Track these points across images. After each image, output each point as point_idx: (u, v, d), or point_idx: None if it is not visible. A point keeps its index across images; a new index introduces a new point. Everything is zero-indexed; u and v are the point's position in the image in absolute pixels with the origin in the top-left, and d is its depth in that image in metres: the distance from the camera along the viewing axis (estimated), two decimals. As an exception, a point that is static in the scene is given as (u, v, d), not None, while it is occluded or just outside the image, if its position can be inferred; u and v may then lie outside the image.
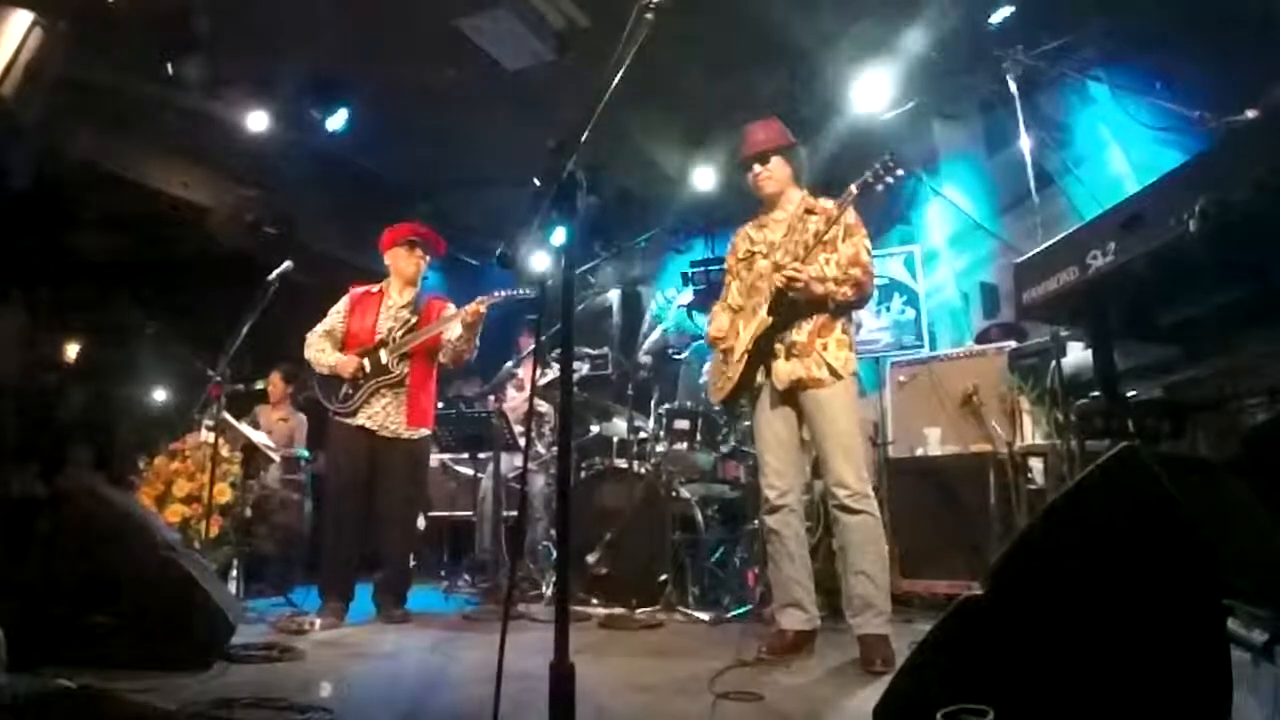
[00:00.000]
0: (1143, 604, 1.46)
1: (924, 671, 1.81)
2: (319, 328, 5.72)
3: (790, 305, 4.04)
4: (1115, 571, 1.52)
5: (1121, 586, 1.50)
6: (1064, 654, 1.51)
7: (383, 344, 5.58)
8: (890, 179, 3.88)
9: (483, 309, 5.51)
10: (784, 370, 4.09)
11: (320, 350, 5.61)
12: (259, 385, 7.75)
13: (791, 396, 4.14)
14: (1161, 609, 1.44)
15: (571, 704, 1.92)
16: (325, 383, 5.60)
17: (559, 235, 9.67)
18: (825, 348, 4.06)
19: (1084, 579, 1.55)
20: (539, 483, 7.56)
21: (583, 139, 2.29)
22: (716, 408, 4.61)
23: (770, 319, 4.04)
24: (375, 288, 5.84)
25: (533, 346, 7.59)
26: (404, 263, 5.79)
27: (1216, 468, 1.73)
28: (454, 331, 5.62)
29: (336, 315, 5.77)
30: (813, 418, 4.08)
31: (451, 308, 5.79)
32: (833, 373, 4.04)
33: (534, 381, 6.60)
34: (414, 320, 5.68)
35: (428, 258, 5.90)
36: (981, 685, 1.61)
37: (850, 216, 4.10)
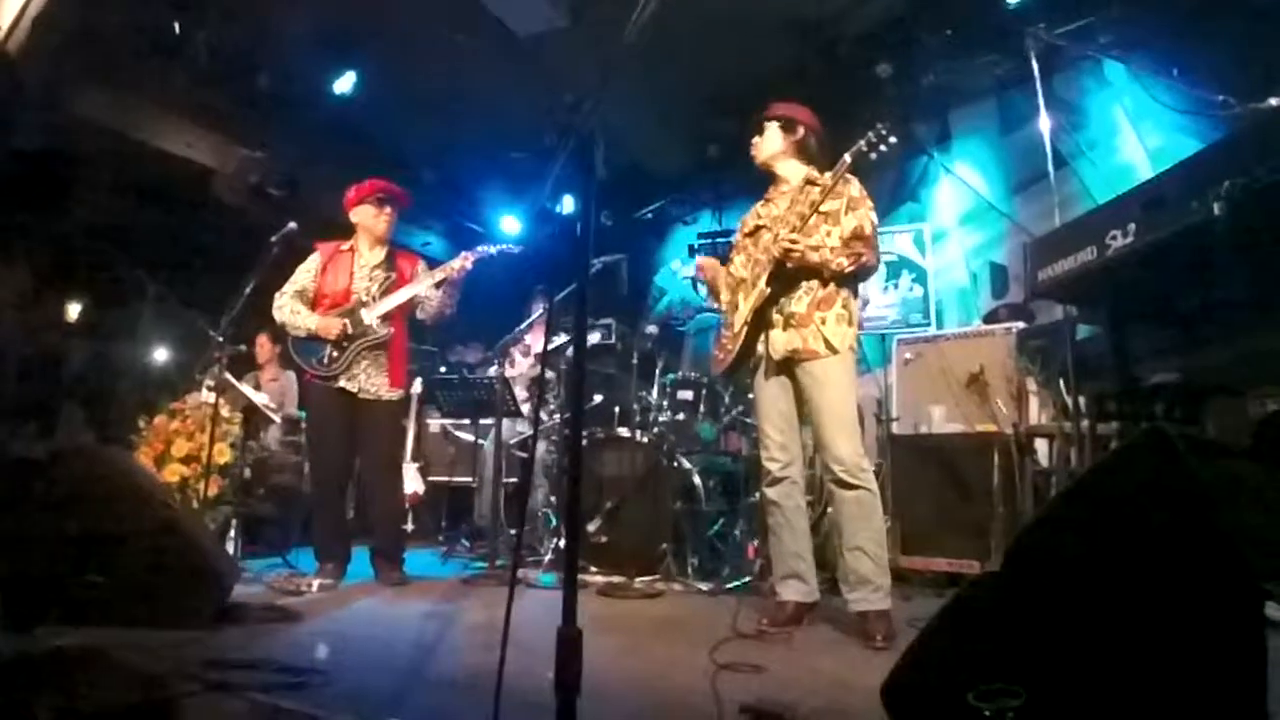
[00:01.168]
0: (1171, 586, 1.45)
1: (936, 649, 1.80)
2: (288, 287, 5.55)
3: (789, 276, 4.04)
4: (1141, 552, 1.51)
5: (1147, 568, 1.49)
6: (1089, 634, 1.50)
7: (362, 304, 5.46)
8: (884, 147, 3.87)
9: (469, 264, 5.47)
10: (780, 340, 4.08)
11: (295, 312, 5.46)
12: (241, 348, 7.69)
13: (788, 368, 4.13)
14: (1192, 592, 1.43)
15: (578, 669, 1.91)
16: (303, 345, 5.45)
17: (567, 204, 9.77)
18: (824, 321, 4.04)
19: (1107, 559, 1.53)
20: (540, 449, 7.56)
21: (599, 97, 2.25)
22: (718, 379, 4.58)
23: (768, 289, 4.03)
24: (345, 245, 5.68)
25: (539, 312, 7.58)
26: (373, 220, 5.63)
27: (1239, 453, 1.71)
28: (430, 287, 5.55)
29: (307, 274, 5.60)
30: (808, 391, 4.06)
31: (423, 265, 5.74)
32: (829, 346, 4.01)
33: (546, 348, 6.56)
34: (391, 278, 5.57)
35: (395, 213, 5.75)
36: (997, 664, 1.60)
37: (855, 189, 4.08)
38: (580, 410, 2.29)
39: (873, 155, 3.91)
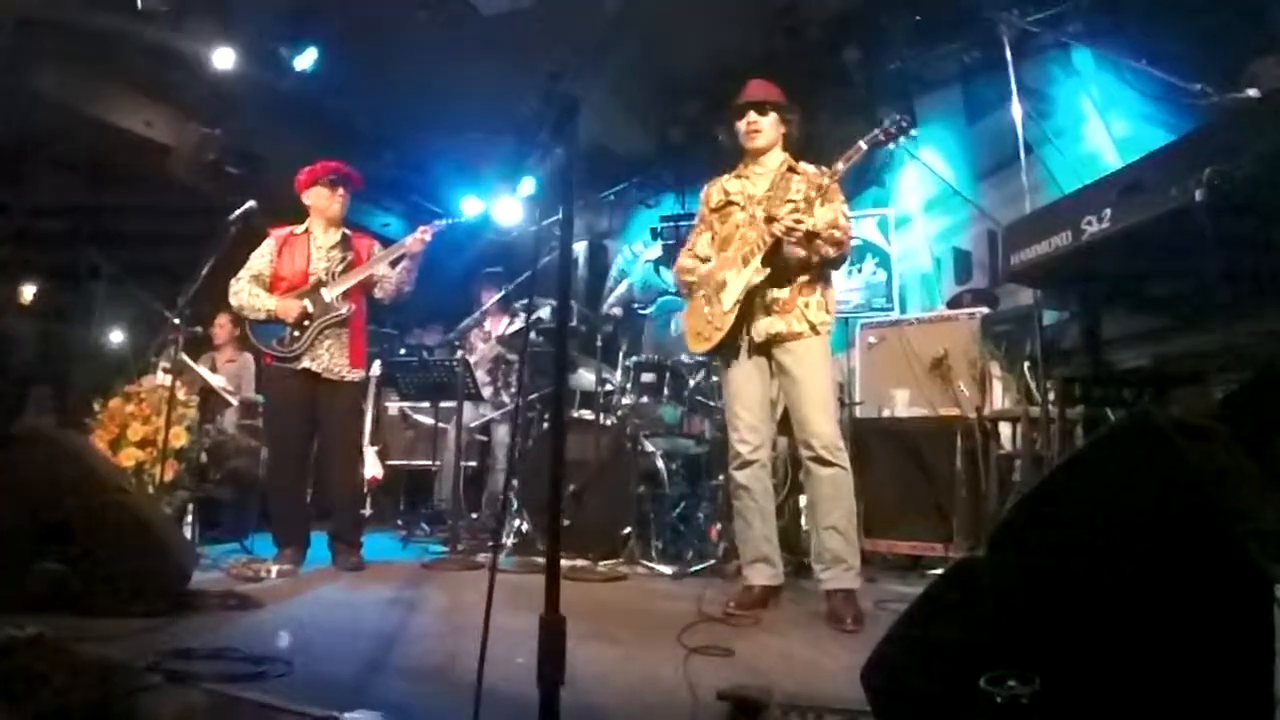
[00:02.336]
0: (1168, 570, 1.44)
1: (920, 632, 1.78)
2: (244, 273, 5.46)
3: (783, 259, 4.01)
4: (1135, 537, 1.50)
5: (1143, 552, 1.48)
6: (1086, 619, 1.49)
7: (320, 284, 5.39)
8: (902, 139, 3.88)
9: (427, 237, 5.45)
10: (762, 324, 4.07)
11: (254, 295, 5.37)
12: (198, 329, 7.54)
13: (765, 351, 4.13)
14: (1192, 575, 1.42)
15: (562, 657, 1.88)
16: (263, 328, 5.38)
17: (526, 186, 9.71)
18: (807, 305, 4.06)
19: (1101, 544, 1.52)
20: (501, 432, 7.51)
21: (581, 66, 2.21)
22: (700, 357, 4.52)
23: (767, 270, 3.98)
24: (299, 228, 5.61)
25: (496, 297, 7.53)
26: (326, 203, 5.56)
27: (1225, 435, 1.70)
28: (388, 264, 5.54)
29: (262, 259, 5.51)
30: (788, 370, 4.05)
31: (379, 246, 5.70)
32: (811, 328, 4.03)
33: (529, 329, 6.49)
34: (348, 258, 5.51)
35: (348, 195, 5.68)
36: (988, 648, 1.59)
37: (826, 180, 4.06)
38: (561, 397, 2.26)
39: (891, 145, 3.94)
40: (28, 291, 9.30)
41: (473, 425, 7.34)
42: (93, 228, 8.58)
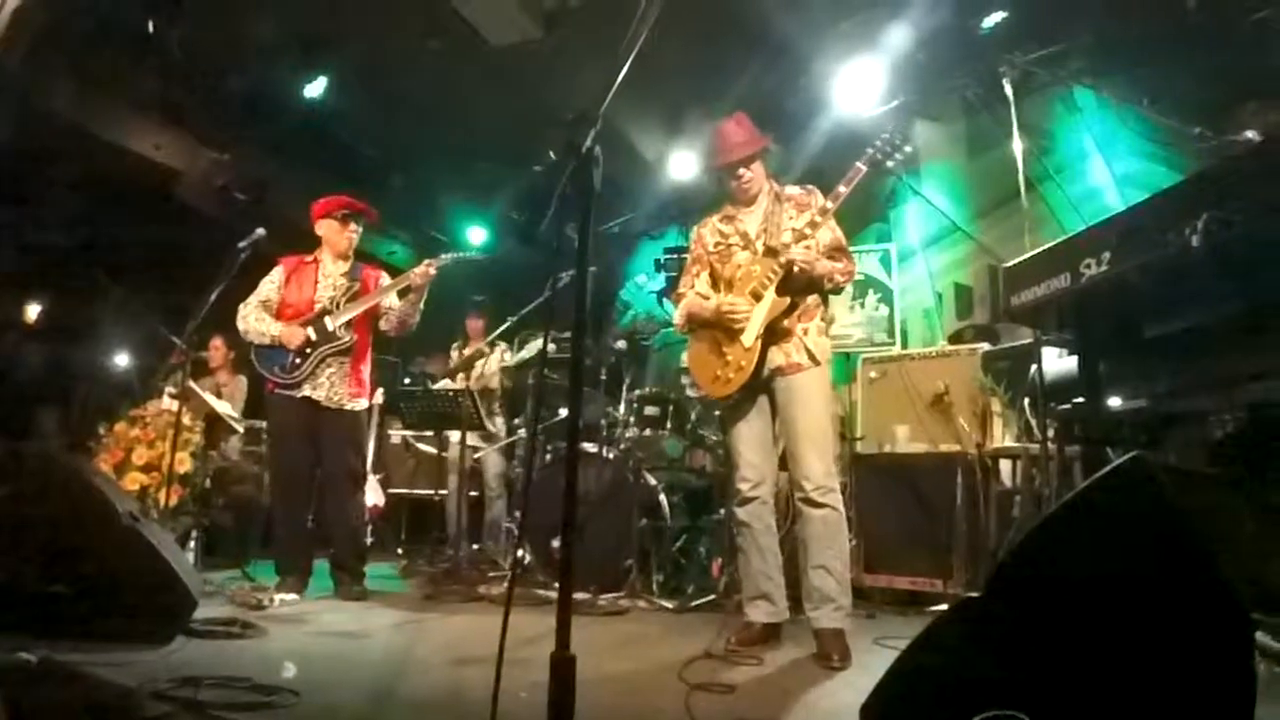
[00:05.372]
0: (1156, 614, 1.47)
1: (918, 672, 1.80)
2: (253, 299, 5.53)
3: (794, 287, 4.01)
4: (1123, 580, 1.53)
5: (1130, 596, 1.51)
6: (1077, 661, 1.51)
7: (325, 312, 5.45)
8: (899, 156, 3.92)
9: (432, 270, 5.49)
10: (765, 356, 4.06)
11: (260, 320, 5.45)
12: (204, 354, 7.58)
13: (766, 385, 4.13)
14: (1176, 620, 1.45)
15: (572, 695, 1.90)
16: (267, 353, 5.43)
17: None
18: (806, 332, 4.08)
19: (1093, 587, 1.55)
20: (493, 460, 7.51)
21: (601, 112, 2.25)
22: (720, 399, 4.46)
23: (786, 299, 3.97)
24: (309, 257, 5.68)
25: (496, 329, 7.55)
26: (337, 236, 5.64)
27: (1216, 480, 1.73)
28: (395, 298, 5.60)
29: (271, 285, 5.59)
30: (786, 406, 4.06)
31: (386, 277, 5.74)
32: (811, 358, 4.05)
33: (546, 355, 6.51)
34: (355, 288, 5.57)
35: (360, 230, 5.76)
36: (983, 689, 1.61)
37: (819, 199, 4.11)
38: (577, 430, 2.28)
39: (889, 164, 3.99)
40: (33, 312, 9.36)
41: (476, 455, 7.34)
42: (101, 250, 8.62)
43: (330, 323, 5.41)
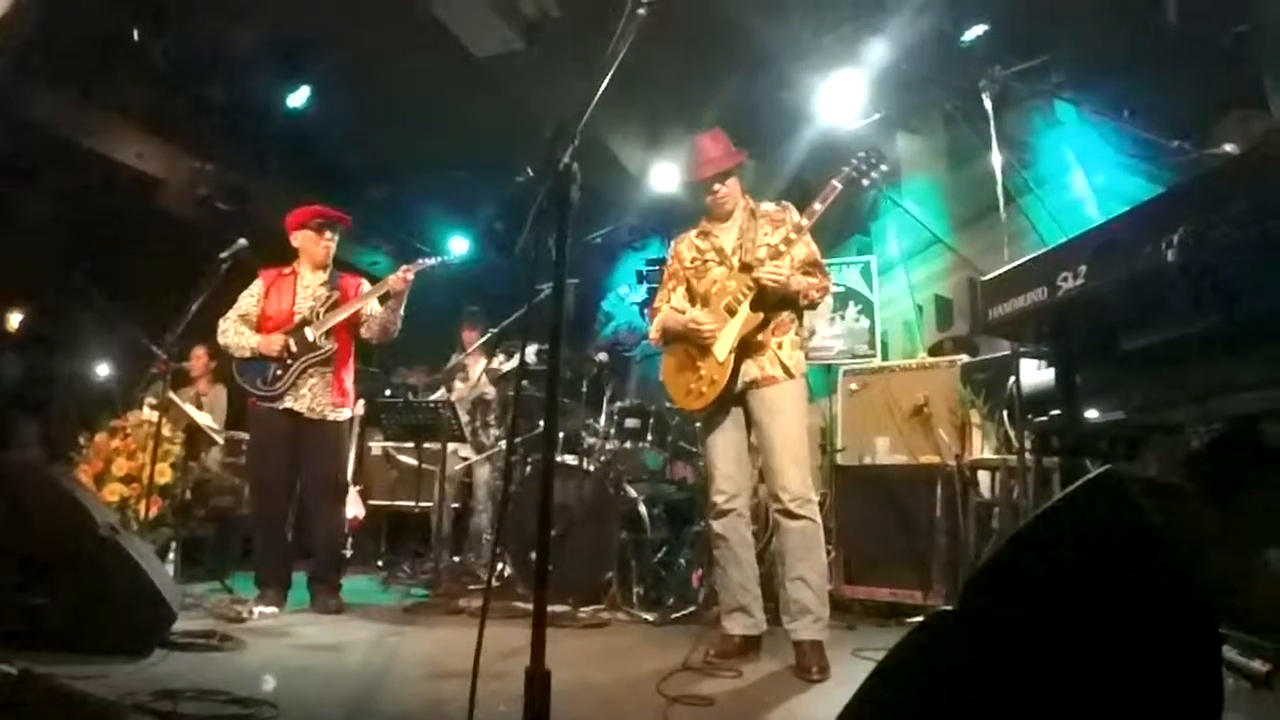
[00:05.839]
0: (1125, 629, 1.47)
1: (890, 687, 1.80)
2: (232, 313, 5.54)
3: (767, 304, 4.03)
4: (1093, 596, 1.53)
5: (1100, 611, 1.51)
6: (1045, 679, 1.51)
7: (305, 322, 5.45)
8: (875, 174, 3.93)
9: (410, 275, 5.50)
10: (739, 370, 4.08)
11: (239, 333, 5.45)
12: (184, 364, 7.54)
13: (741, 398, 4.14)
14: (1146, 635, 1.45)
15: (547, 710, 1.89)
16: (248, 366, 5.43)
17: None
18: (780, 346, 4.10)
19: (1060, 601, 1.55)
20: (482, 472, 7.49)
21: (579, 129, 2.26)
22: (694, 411, 4.48)
23: (760, 314, 4.00)
24: (287, 269, 5.68)
25: (480, 340, 7.53)
26: (314, 246, 5.64)
27: (1191, 494, 1.73)
28: (376, 305, 5.60)
29: (250, 299, 5.59)
30: (761, 419, 4.07)
31: (366, 285, 5.73)
32: (786, 371, 4.07)
33: (535, 364, 6.48)
34: (334, 297, 5.57)
35: (336, 238, 5.75)
36: (952, 708, 1.61)
37: (794, 215, 4.13)
38: (553, 448, 2.28)
39: (864, 182, 4.00)
40: (14, 320, 9.29)
41: (457, 469, 7.32)
42: (83, 259, 8.57)
43: (310, 333, 5.41)
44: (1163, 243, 2.26)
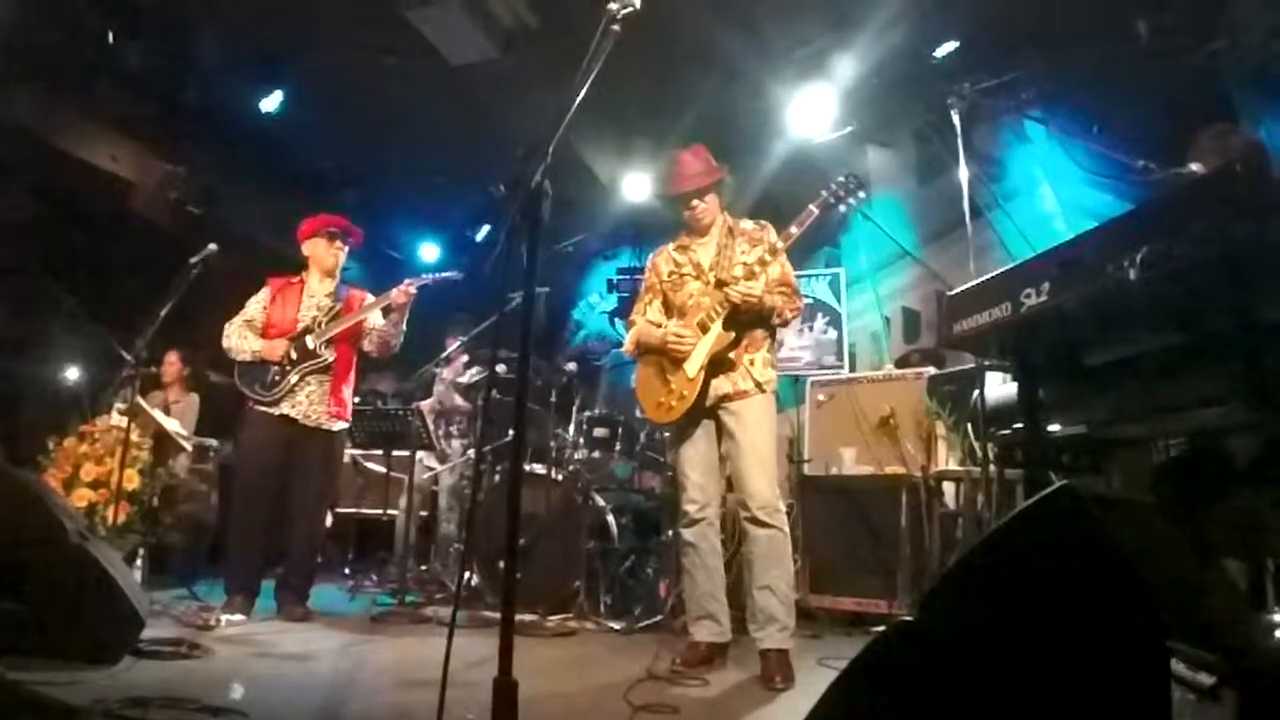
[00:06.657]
0: (1077, 643, 1.50)
1: (851, 696, 1.82)
2: (238, 318, 5.59)
3: (741, 321, 4.07)
4: (1047, 607, 1.56)
5: (1054, 623, 1.54)
6: (1000, 691, 1.54)
7: (307, 330, 5.49)
8: (852, 200, 3.97)
9: (413, 290, 5.51)
10: (710, 385, 4.10)
11: (243, 338, 5.49)
12: (154, 369, 7.47)
13: (713, 412, 4.17)
14: (1098, 648, 1.48)
15: (514, 719, 1.91)
16: (248, 370, 5.46)
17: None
18: (753, 363, 4.13)
19: (1016, 614, 1.58)
20: (452, 480, 7.47)
21: (550, 148, 2.28)
22: (662, 424, 4.50)
23: (731, 333, 4.03)
24: (295, 278, 5.74)
25: (454, 347, 7.51)
26: (324, 253, 5.71)
27: (1148, 509, 1.77)
28: (379, 318, 5.62)
29: (257, 305, 5.65)
30: (731, 430, 4.10)
31: (370, 298, 5.74)
32: (758, 386, 4.11)
33: (513, 378, 6.47)
34: (337, 307, 5.62)
35: (346, 248, 5.82)
36: (913, 712, 1.63)
37: (772, 235, 4.14)
38: (520, 457, 2.30)
39: (841, 208, 4.01)
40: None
41: (424, 477, 7.31)
42: (52, 261, 8.50)
43: (311, 341, 5.46)
44: (1125, 261, 2.29)
